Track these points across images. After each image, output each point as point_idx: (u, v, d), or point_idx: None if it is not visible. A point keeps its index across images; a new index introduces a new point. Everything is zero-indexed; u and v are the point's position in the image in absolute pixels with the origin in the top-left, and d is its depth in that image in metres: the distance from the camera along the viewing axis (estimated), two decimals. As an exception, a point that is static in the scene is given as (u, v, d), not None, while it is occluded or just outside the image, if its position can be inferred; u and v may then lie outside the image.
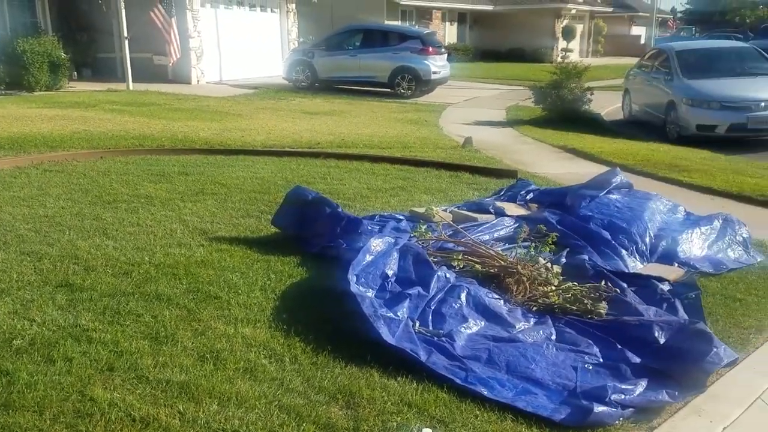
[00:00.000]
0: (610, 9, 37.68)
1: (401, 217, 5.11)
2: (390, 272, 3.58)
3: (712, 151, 9.69)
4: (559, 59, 32.85)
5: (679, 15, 66.09)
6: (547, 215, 4.92)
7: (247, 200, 5.89)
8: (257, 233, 4.90)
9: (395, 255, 3.69)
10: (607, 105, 15.40)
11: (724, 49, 13.95)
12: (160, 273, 3.99)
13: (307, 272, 4.05)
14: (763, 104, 10.43)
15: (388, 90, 17.37)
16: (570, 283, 3.73)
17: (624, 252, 4.34)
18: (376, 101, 16.07)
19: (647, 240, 4.48)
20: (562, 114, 12.67)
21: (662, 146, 10.21)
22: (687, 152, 9.59)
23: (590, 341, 3.03)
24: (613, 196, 5.11)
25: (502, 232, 4.76)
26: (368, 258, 3.64)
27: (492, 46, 32.63)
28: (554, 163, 8.75)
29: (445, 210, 5.45)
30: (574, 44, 34.71)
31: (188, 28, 17.26)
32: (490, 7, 32.96)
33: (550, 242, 4.23)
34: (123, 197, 5.82)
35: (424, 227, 4.37)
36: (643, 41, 41.26)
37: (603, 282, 3.60)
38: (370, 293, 3.42)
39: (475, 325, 3.20)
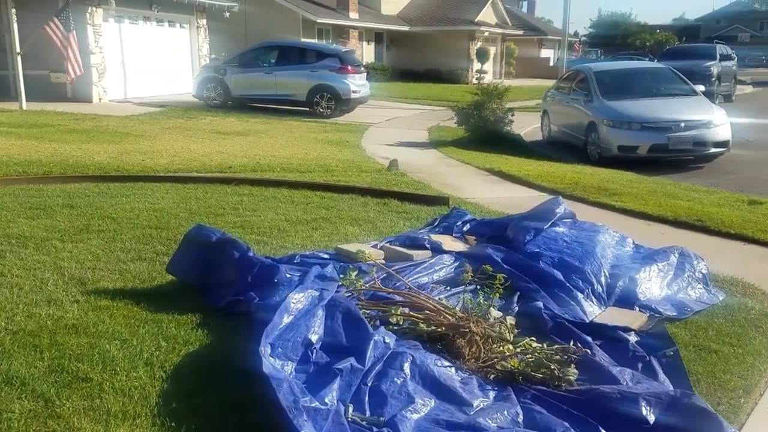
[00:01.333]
0: (521, 32, 38.64)
1: (326, 257, 4.42)
2: (314, 337, 2.87)
3: (635, 172, 9.57)
4: (474, 80, 33.38)
5: (582, 38, 69.27)
6: (491, 252, 4.35)
7: (141, 238, 5.01)
8: (149, 282, 4.06)
9: (320, 314, 2.98)
10: (525, 126, 15.32)
11: (640, 70, 14.16)
12: (17, 344, 3.10)
13: (208, 336, 3.26)
14: (683, 125, 10.47)
15: (307, 109, 16.67)
16: (528, 340, 3.15)
17: (580, 295, 3.81)
18: (293, 120, 15.33)
19: (603, 280, 3.98)
20: (485, 135, 12.39)
21: (586, 168, 10.02)
22: (612, 174, 9.40)
23: (566, 424, 2.43)
24: (560, 229, 4.62)
25: (442, 273, 4.15)
26: (286, 320, 2.91)
27: (409, 66, 32.59)
28: (482, 186, 8.31)
29: (375, 246, 4.79)
30: (488, 66, 35.26)
31: (89, 44, 15.94)
32: (406, 28, 32.95)
33: (499, 286, 3.65)
34: (-12, 239, 4.82)
35: (354, 273, 3.67)
36: (551, 63, 42.60)
37: (571, 341, 3.03)
38: (289, 367, 2.69)
39: (423, 406, 2.53)
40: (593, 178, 8.95)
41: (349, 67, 16.56)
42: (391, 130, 14.67)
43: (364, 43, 30.68)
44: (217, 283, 3.72)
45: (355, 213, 6.13)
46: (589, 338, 3.21)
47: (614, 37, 68.99)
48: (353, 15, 28.75)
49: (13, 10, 13.83)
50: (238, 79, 16.83)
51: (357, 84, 16.77)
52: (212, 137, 11.58)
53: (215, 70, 17.10)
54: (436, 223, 5.41)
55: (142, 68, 18.42)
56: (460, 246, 4.82)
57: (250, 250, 3.76)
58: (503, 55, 38.16)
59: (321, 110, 16.43)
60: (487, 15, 34.42)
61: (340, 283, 3.57)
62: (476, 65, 33.78)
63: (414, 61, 32.89)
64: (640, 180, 8.99)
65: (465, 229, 5.18)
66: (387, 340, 2.86)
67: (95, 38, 16.36)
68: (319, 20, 26.23)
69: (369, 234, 5.38)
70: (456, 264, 4.26)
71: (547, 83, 34.10)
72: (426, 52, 33.03)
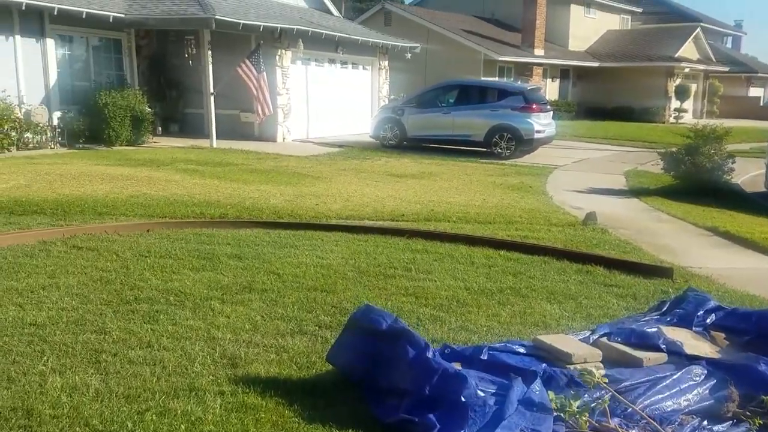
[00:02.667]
0: (726, 68, 34.70)
1: (522, 350, 3.41)
2: None
3: None
4: (672, 119, 30.40)
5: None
6: (764, 367, 3.05)
7: (304, 303, 4.36)
8: (307, 370, 3.32)
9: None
10: (741, 173, 13.06)
11: None
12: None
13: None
14: None
15: (484, 150, 15.80)
16: None
17: None
18: (470, 162, 14.51)
19: None
20: (698, 184, 10.58)
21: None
22: None
23: None
24: None
25: (691, 396, 2.95)
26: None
27: (596, 103, 30.53)
28: (709, 252, 6.75)
29: (587, 339, 3.69)
30: (688, 104, 32.02)
31: (277, 85, 16.51)
32: (595, 64, 31.06)
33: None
34: (148, 293, 4.45)
35: (576, 404, 2.62)
36: (762, 103, 37.77)
37: None
38: None
39: None
40: None
41: (534, 106, 15.45)
42: (581, 174, 13.27)
43: (549, 79, 29.32)
44: (385, 386, 2.87)
45: (551, 284, 5.04)
46: None
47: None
48: (538, 52, 27.62)
49: (209, 52, 14.66)
50: (415, 120, 16.45)
51: (542, 123, 15.59)
52: (386, 180, 11.10)
53: (393, 111, 16.91)
54: (665, 308, 4.15)
55: (325, 109, 18.81)
56: (706, 348, 3.55)
57: (428, 348, 2.86)
58: (705, 93, 34.53)
59: (499, 151, 15.46)
60: (688, 50, 31.43)
61: (555, 412, 2.53)
62: (674, 103, 30.81)
63: (602, 99, 30.80)
64: None
65: (709, 321, 3.88)
66: None
67: (283, 80, 16.94)
68: (501, 58, 25.46)
69: (573, 317, 4.27)
70: (711, 382, 3.03)
71: (758, 125, 30.14)
72: (615, 89, 30.79)
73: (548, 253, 5.85)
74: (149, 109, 14.71)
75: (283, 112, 17.08)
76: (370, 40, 19.77)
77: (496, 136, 15.47)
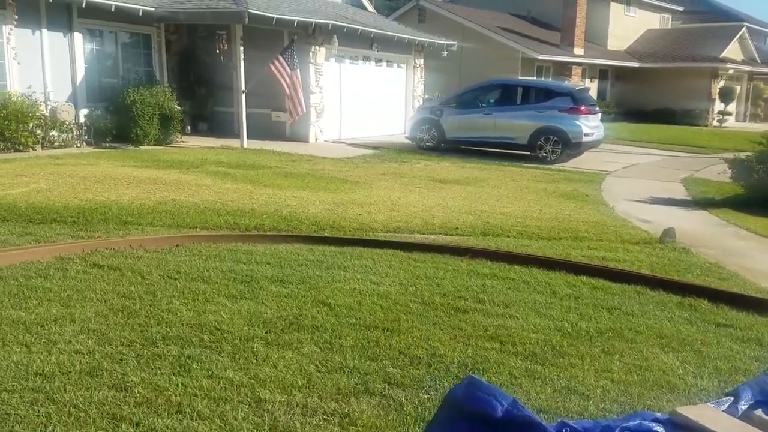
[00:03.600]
0: (773, 68, 33.22)
1: (659, 429, 2.60)
2: None
3: None
4: (715, 122, 29.12)
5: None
6: None
7: (365, 347, 3.59)
8: (385, 456, 2.57)
9: None
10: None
11: None
12: None
13: None
14: None
15: (527, 153, 14.92)
16: None
17: None
18: (514, 167, 13.66)
19: None
20: (772, 195, 9.62)
21: None
22: None
23: None
24: None
25: None
26: None
27: (635, 105, 29.37)
28: (817, 279, 5.85)
29: (731, 409, 2.86)
30: (731, 107, 30.69)
31: (310, 83, 15.81)
32: (635, 64, 29.89)
33: None
34: (178, 330, 3.72)
35: None
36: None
37: None
38: None
39: None
40: None
41: (583, 107, 14.53)
42: (635, 182, 12.34)
43: (587, 80, 28.23)
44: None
45: (656, 323, 4.20)
46: None
47: None
48: (578, 51, 26.59)
49: (241, 48, 14.00)
50: (454, 121, 15.63)
51: (590, 126, 14.66)
52: (429, 186, 10.31)
53: (431, 111, 16.10)
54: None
55: (358, 108, 18.09)
56: None
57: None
58: (749, 96, 33.10)
59: (544, 155, 14.58)
60: (732, 51, 30.12)
61: None
62: (718, 106, 29.51)
63: (641, 100, 29.62)
64: None
65: None
66: None
67: (316, 78, 16.24)
68: (540, 57, 24.49)
69: (699, 373, 3.45)
70: None
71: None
72: (655, 91, 29.60)
73: (640, 281, 5.01)
74: (178, 108, 14.10)
75: (316, 112, 16.38)
76: (407, 36, 18.98)
77: (541, 139, 14.58)
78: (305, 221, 7.01)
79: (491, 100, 15.78)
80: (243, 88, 14.20)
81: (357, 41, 17.13)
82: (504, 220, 7.70)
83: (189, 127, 15.82)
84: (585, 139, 14.46)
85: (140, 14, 13.27)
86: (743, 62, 31.12)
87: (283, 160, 12.49)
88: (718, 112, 29.36)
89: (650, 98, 29.55)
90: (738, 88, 31.61)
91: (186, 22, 14.76)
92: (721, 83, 29.93)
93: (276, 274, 4.89)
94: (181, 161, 11.24)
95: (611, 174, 13.27)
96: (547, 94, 14.99)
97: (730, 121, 30.04)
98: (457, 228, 7.07)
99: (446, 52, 20.91)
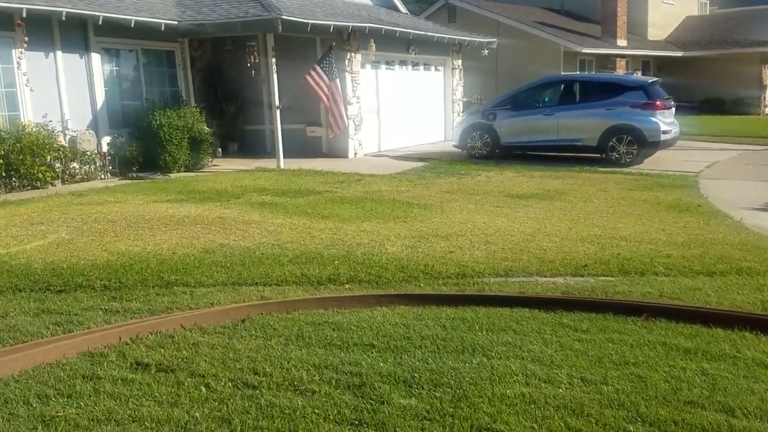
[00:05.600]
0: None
1: None
2: None
3: None
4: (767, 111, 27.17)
5: None
6: None
7: None
8: None
9: None
10: None
11: None
12: None
13: None
14: None
15: (597, 156, 13.35)
16: None
17: None
18: (588, 172, 12.09)
19: None
20: None
21: None
22: None
23: None
24: None
25: None
26: None
27: (681, 96, 27.39)
28: None
29: None
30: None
31: (347, 93, 14.40)
32: (679, 53, 28.05)
33: None
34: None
35: None
36: None
37: None
38: None
39: None
40: None
41: (658, 102, 12.94)
42: (734, 184, 10.74)
43: (631, 72, 26.49)
44: None
45: None
46: None
47: None
48: (621, 42, 24.91)
49: (273, 60, 12.62)
50: (510, 124, 14.12)
51: (666, 122, 13.07)
52: (509, 204, 8.80)
53: (482, 116, 14.58)
54: None
55: (396, 117, 16.66)
56: None
57: None
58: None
59: (617, 156, 13.01)
60: (781, 32, 28.11)
61: None
62: (771, 92, 27.58)
63: (687, 91, 27.65)
64: None
65: None
66: None
67: (353, 87, 14.81)
68: (584, 50, 22.86)
69: None
70: None
71: None
72: (702, 80, 27.68)
73: None
74: (208, 129, 12.78)
75: (354, 124, 14.94)
76: (446, 36, 17.53)
77: (614, 140, 13.01)
78: (389, 266, 5.55)
79: (551, 99, 14.25)
80: (277, 103, 12.83)
81: (393, 44, 15.73)
82: (633, 248, 6.16)
83: (219, 149, 14.50)
84: (663, 137, 12.85)
85: (162, 29, 11.99)
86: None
87: (330, 181, 11.05)
88: (771, 99, 27.42)
89: (695, 89, 27.63)
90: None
91: (214, 35, 13.44)
92: (772, 68, 27.96)
93: (393, 370, 3.41)
94: (218, 191, 9.86)
95: (700, 175, 11.66)
96: (615, 89, 13.39)
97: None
98: (585, 266, 5.55)
99: (486, 51, 19.39)
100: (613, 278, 5.27)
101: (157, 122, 11.58)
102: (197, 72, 14.61)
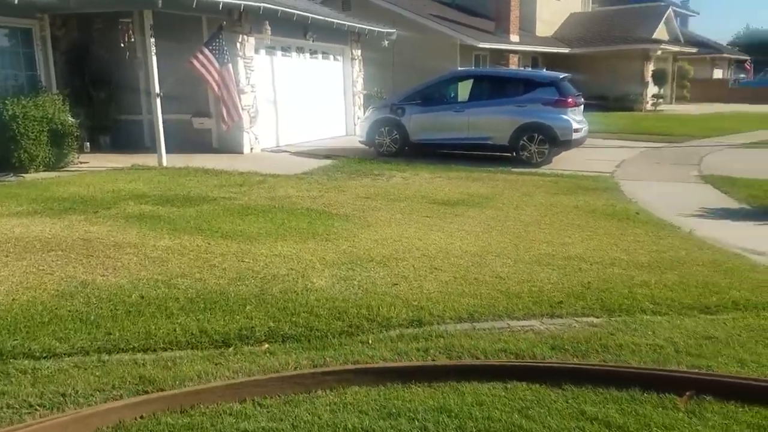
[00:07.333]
0: (695, 50, 32.96)
1: None
2: None
3: None
4: (650, 107, 28.32)
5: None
6: None
7: None
8: None
9: None
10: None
11: None
12: None
13: None
14: None
15: (507, 155, 12.69)
16: None
17: None
18: (502, 173, 11.36)
19: None
20: None
21: None
22: None
23: None
24: None
25: None
26: None
27: (570, 93, 28.01)
28: None
29: None
30: (664, 90, 30.12)
31: (240, 81, 12.77)
32: (565, 50, 28.52)
33: None
34: None
35: None
36: (730, 85, 36.52)
37: None
38: None
39: None
40: None
41: (569, 99, 12.46)
42: (652, 185, 10.41)
43: (522, 68, 26.53)
44: None
45: None
46: None
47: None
48: (514, 38, 24.80)
49: (152, 40, 10.76)
50: (420, 121, 13.16)
51: (577, 120, 12.64)
52: (437, 213, 7.74)
53: (391, 110, 13.48)
54: None
55: (295, 109, 15.22)
56: None
57: None
58: (674, 77, 32.74)
59: (527, 156, 12.40)
60: (661, 31, 29.43)
61: None
62: (651, 89, 28.72)
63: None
64: None
65: None
66: None
67: (247, 74, 13.18)
68: (480, 45, 22.43)
69: None
70: None
71: (736, 108, 28.37)
72: (588, 77, 28.32)
73: None
74: (73, 120, 10.71)
75: (249, 115, 13.34)
76: (346, 23, 16.27)
77: (524, 138, 12.38)
78: (320, 311, 4.28)
79: (462, 95, 13.41)
80: (158, 90, 10.97)
81: (290, 29, 14.25)
82: (600, 273, 5.29)
83: (88, 143, 12.38)
84: (575, 135, 12.39)
85: (16, 2, 9.80)
86: (669, 42, 30.50)
87: (226, 183, 9.48)
88: (652, 96, 28.60)
89: (583, 85, 28.27)
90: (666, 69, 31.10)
91: (79, 10, 11.31)
92: (652, 66, 29.19)
93: None
94: (84, 198, 8.02)
95: (615, 176, 11.26)
96: (527, 84, 12.77)
97: (662, 104, 29.42)
98: (561, 303, 4.55)
99: (386, 42, 18.36)
100: (597, 319, 4.33)
101: (10, 113, 9.46)
102: (61, 54, 12.37)
